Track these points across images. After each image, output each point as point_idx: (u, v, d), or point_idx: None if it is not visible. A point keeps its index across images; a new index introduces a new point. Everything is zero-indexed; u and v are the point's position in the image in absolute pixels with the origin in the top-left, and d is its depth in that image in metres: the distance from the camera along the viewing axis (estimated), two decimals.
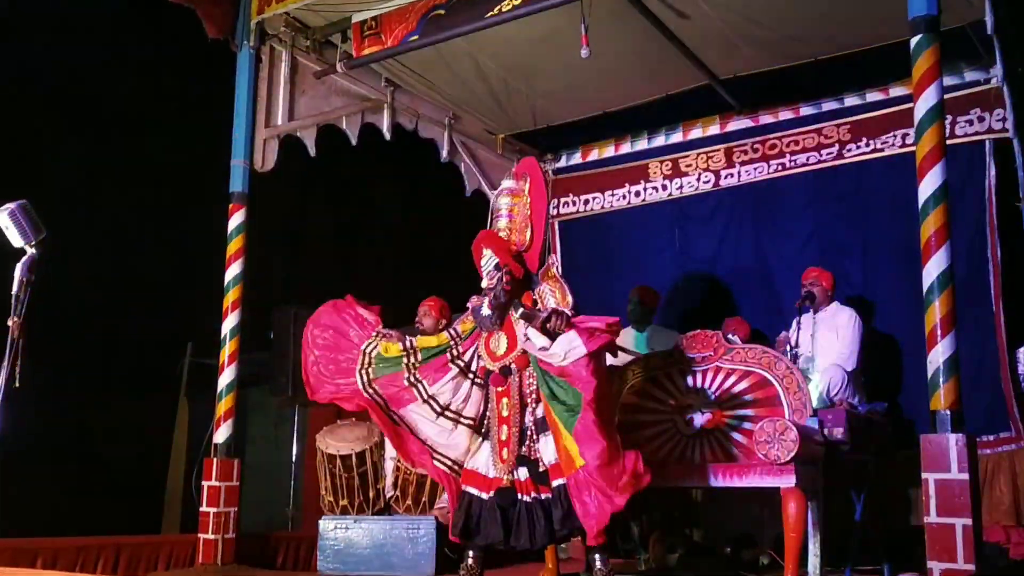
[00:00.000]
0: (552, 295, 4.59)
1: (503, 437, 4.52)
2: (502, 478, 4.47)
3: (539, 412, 4.46)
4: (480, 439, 4.64)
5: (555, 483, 4.36)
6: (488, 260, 4.58)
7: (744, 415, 5.05)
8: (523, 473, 4.45)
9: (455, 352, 4.71)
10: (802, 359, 5.95)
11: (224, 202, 6.50)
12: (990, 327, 6.41)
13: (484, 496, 4.51)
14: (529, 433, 4.48)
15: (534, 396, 4.49)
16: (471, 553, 4.62)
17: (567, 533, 4.48)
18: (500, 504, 4.44)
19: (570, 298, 4.55)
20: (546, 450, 4.41)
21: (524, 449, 4.46)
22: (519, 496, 4.45)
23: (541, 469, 4.41)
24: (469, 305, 4.79)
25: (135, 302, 8.48)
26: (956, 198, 5.21)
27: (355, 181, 9.83)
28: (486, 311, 4.57)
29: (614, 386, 5.52)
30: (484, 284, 4.58)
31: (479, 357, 4.68)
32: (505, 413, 4.55)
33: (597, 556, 4.47)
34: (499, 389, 4.57)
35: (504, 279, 4.51)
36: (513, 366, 4.54)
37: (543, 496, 4.40)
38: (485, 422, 4.65)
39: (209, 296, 6.61)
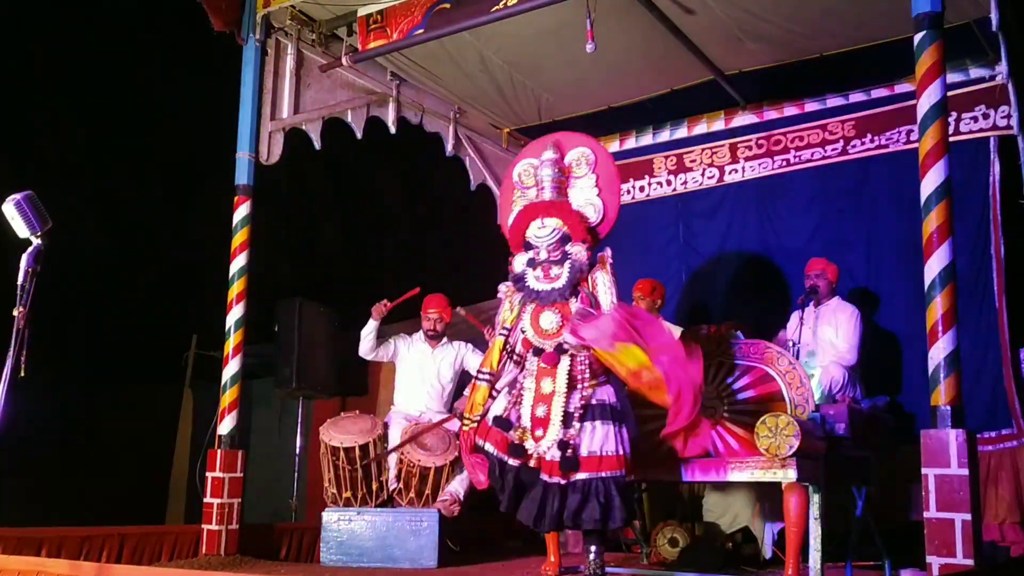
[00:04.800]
0: (606, 287, 4.53)
1: (540, 414, 4.42)
2: (531, 454, 4.42)
3: (585, 398, 4.42)
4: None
5: (582, 475, 4.32)
6: (552, 231, 4.51)
7: (746, 410, 5.07)
8: (553, 454, 4.37)
9: (509, 344, 4.66)
10: (803, 353, 5.97)
11: (230, 195, 6.51)
12: (993, 324, 6.42)
13: (506, 460, 4.46)
14: (576, 417, 4.39)
15: (586, 377, 4.44)
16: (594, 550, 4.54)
17: (572, 524, 4.42)
18: (524, 479, 4.41)
19: (614, 298, 4.51)
20: (587, 438, 4.36)
21: (564, 434, 4.37)
22: (541, 476, 4.40)
23: (569, 454, 4.34)
24: (502, 289, 4.74)
25: (140, 294, 8.52)
26: (960, 195, 5.21)
27: (360, 174, 9.86)
28: (551, 285, 4.49)
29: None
30: (541, 256, 4.51)
31: (521, 331, 4.60)
32: (547, 391, 4.45)
33: (594, 548, 4.48)
34: (544, 366, 4.49)
35: (586, 252, 4.49)
36: (567, 345, 4.45)
37: (563, 482, 4.35)
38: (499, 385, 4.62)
39: (214, 288, 6.63)
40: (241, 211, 6.43)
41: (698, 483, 6.01)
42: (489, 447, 4.52)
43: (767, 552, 5.87)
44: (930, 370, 4.37)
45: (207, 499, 6.11)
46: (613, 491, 4.31)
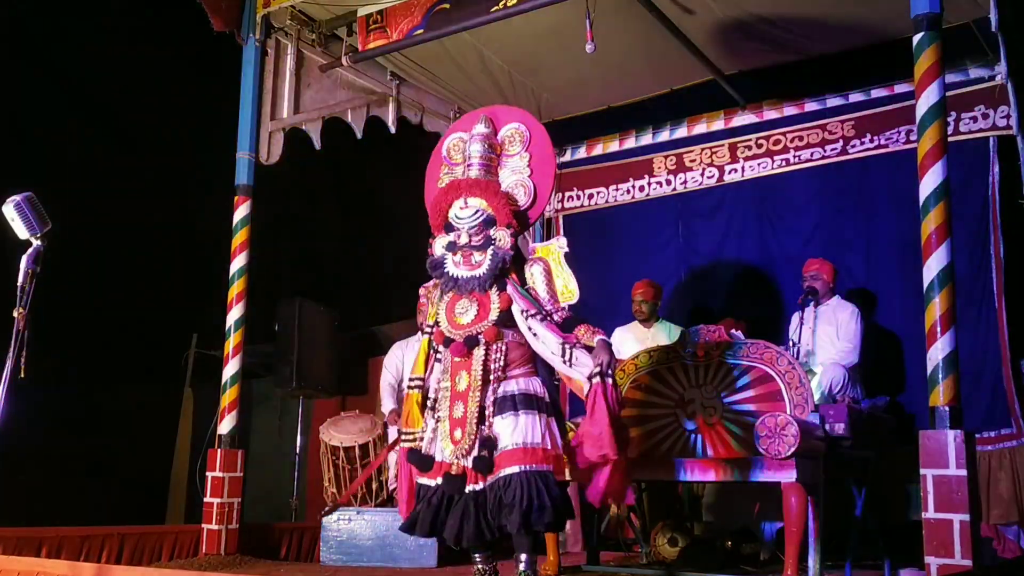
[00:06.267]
0: (544, 281, 4.14)
1: (457, 415, 3.98)
2: (451, 462, 3.96)
3: (504, 390, 4.00)
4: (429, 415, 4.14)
5: (503, 471, 3.86)
6: (475, 212, 4.10)
7: (746, 410, 5.07)
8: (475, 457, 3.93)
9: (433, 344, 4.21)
10: (802, 353, 5.97)
11: (230, 194, 6.52)
12: (992, 324, 6.42)
13: (431, 484, 4.01)
14: (488, 412, 3.96)
15: (500, 372, 4.01)
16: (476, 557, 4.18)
17: (495, 532, 3.93)
18: (448, 492, 3.95)
19: (551, 297, 4.13)
20: (507, 431, 3.92)
21: (483, 432, 3.93)
22: (467, 486, 3.94)
23: (484, 454, 3.90)
24: (422, 292, 4.45)
25: (141, 293, 8.52)
26: (959, 195, 5.22)
27: (360, 174, 9.85)
28: (470, 272, 4.06)
29: (616, 380, 5.54)
30: (462, 240, 4.07)
31: (436, 322, 4.17)
32: (462, 388, 4.01)
33: (524, 556, 4.01)
34: (457, 360, 4.04)
35: (509, 240, 4.05)
36: (481, 337, 4.02)
37: (479, 486, 3.92)
38: (432, 395, 4.16)
39: (214, 288, 6.64)
40: (241, 211, 6.44)
41: (698, 483, 6.03)
42: (423, 480, 4.06)
43: (766, 552, 5.88)
44: (929, 371, 4.37)
45: (207, 499, 6.12)
46: (538, 487, 3.80)
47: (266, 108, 6.69)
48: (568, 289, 4.52)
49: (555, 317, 4.06)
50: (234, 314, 6.32)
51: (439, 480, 3.99)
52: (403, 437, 4.20)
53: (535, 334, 4.00)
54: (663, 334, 6.85)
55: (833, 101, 7.38)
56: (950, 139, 4.63)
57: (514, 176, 4.31)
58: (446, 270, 4.12)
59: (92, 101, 7.89)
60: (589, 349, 3.94)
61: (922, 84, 4.57)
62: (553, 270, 4.30)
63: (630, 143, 8.38)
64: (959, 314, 4.45)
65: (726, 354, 5.27)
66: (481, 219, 4.08)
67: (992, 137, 6.61)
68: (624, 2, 6.15)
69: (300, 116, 6.85)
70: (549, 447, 3.94)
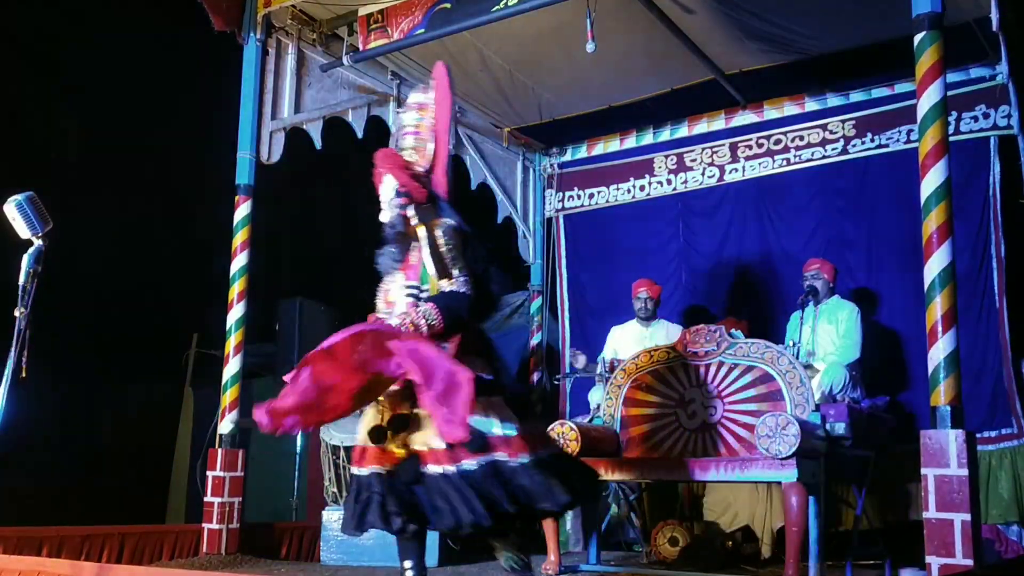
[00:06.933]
0: (449, 249, 3.74)
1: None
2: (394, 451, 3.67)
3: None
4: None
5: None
6: (387, 186, 3.81)
7: (746, 409, 5.08)
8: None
9: None
10: (803, 352, 5.97)
11: (230, 194, 6.52)
12: (993, 324, 6.42)
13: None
14: None
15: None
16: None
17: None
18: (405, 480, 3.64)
19: (455, 270, 3.72)
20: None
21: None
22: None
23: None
24: None
25: (141, 293, 8.53)
26: (960, 194, 5.22)
27: (361, 174, 9.86)
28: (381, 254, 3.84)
29: (617, 380, 5.56)
30: (384, 217, 3.83)
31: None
32: None
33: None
34: None
35: (401, 202, 3.76)
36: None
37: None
38: None
39: (215, 287, 6.63)
40: (242, 211, 6.43)
41: (698, 482, 6.03)
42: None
43: (767, 551, 5.89)
44: (930, 370, 4.37)
45: (208, 498, 6.12)
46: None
47: (267, 108, 6.68)
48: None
49: (444, 286, 3.74)
50: (235, 314, 6.31)
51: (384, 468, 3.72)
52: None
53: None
54: (661, 333, 6.86)
55: (834, 100, 7.39)
56: (951, 139, 4.63)
57: (416, 139, 3.97)
58: (377, 258, 3.92)
59: (93, 100, 7.89)
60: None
61: (923, 83, 4.57)
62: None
63: (630, 143, 8.39)
64: (960, 314, 4.45)
65: (727, 354, 5.27)
66: (392, 190, 3.80)
67: (993, 136, 6.61)
68: (625, 2, 6.15)
69: (301, 116, 6.85)
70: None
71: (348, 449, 6.07)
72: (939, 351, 4.34)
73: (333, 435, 6.16)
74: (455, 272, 3.75)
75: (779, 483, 4.61)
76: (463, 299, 3.74)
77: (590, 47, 5.59)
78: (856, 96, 7.29)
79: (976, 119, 6.66)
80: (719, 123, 7.92)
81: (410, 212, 3.80)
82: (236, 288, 6.33)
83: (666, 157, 8.17)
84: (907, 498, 5.77)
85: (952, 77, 5.38)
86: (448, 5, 6.11)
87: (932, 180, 4.48)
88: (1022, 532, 6.09)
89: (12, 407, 3.36)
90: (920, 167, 4.53)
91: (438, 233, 3.78)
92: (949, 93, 4.64)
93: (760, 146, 7.70)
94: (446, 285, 3.75)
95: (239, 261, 6.36)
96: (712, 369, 5.29)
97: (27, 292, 3.47)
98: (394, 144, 4.10)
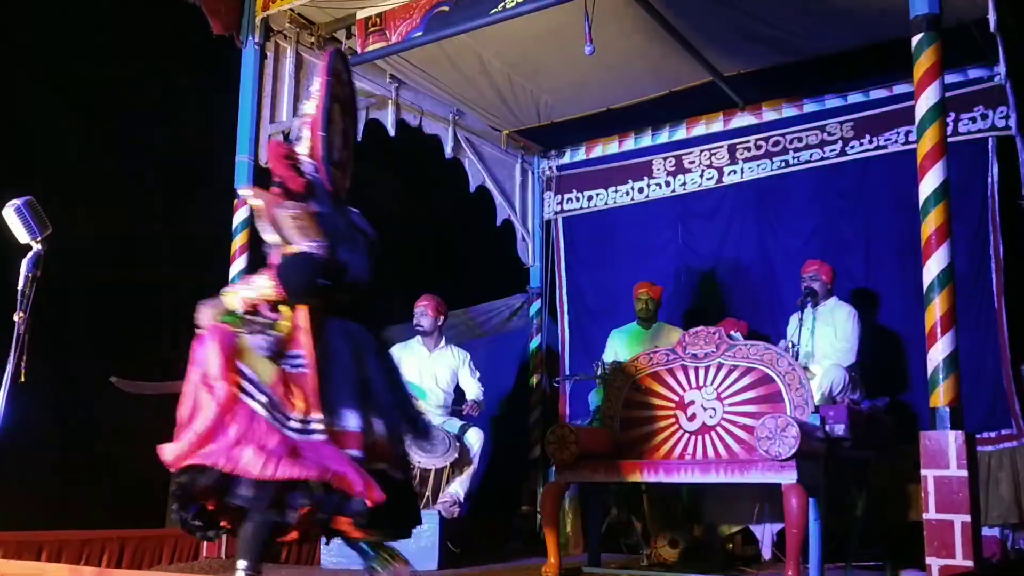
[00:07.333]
0: (289, 226, 3.58)
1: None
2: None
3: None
4: None
5: None
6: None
7: (746, 411, 5.08)
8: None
9: None
10: (801, 354, 5.98)
11: (230, 197, 6.52)
12: (993, 324, 6.42)
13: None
14: None
15: None
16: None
17: None
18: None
19: (297, 239, 3.55)
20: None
21: None
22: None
23: None
24: None
25: (139, 296, 8.51)
26: (958, 196, 5.22)
27: (359, 177, 9.85)
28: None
29: (617, 382, 5.56)
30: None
31: None
32: None
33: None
34: None
35: (276, 191, 3.62)
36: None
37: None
38: None
39: (215, 291, 6.61)
40: (241, 214, 6.43)
41: (699, 485, 6.03)
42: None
43: (767, 553, 5.89)
44: (929, 372, 4.38)
45: None
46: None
47: (265, 111, 6.69)
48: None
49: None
50: None
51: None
52: None
53: None
54: (662, 335, 6.86)
55: (832, 102, 7.40)
56: (949, 140, 4.64)
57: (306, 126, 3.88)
58: None
59: (92, 104, 7.88)
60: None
61: (921, 85, 4.58)
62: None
63: (629, 145, 8.40)
64: (959, 315, 4.45)
65: (726, 355, 5.27)
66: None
67: (991, 137, 6.62)
68: (623, 4, 6.16)
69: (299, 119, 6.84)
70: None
71: None
72: (938, 352, 4.35)
73: None
74: (302, 240, 3.58)
75: (779, 485, 4.61)
76: (306, 260, 3.58)
77: (588, 50, 5.59)
78: (854, 97, 7.30)
79: (974, 120, 6.67)
80: (717, 125, 7.93)
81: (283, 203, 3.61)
82: None
83: (665, 159, 8.18)
84: (907, 499, 5.76)
85: (950, 78, 5.38)
86: (446, 8, 6.10)
87: (931, 181, 4.49)
88: (1012, 536, 6.10)
89: (11, 411, 3.36)
90: (918, 168, 4.54)
91: (285, 214, 3.59)
92: (947, 94, 4.65)
93: (759, 148, 7.70)
94: (292, 250, 3.58)
95: (238, 264, 6.36)
96: (711, 371, 5.30)
97: (26, 297, 3.47)
98: (295, 135, 3.97)
